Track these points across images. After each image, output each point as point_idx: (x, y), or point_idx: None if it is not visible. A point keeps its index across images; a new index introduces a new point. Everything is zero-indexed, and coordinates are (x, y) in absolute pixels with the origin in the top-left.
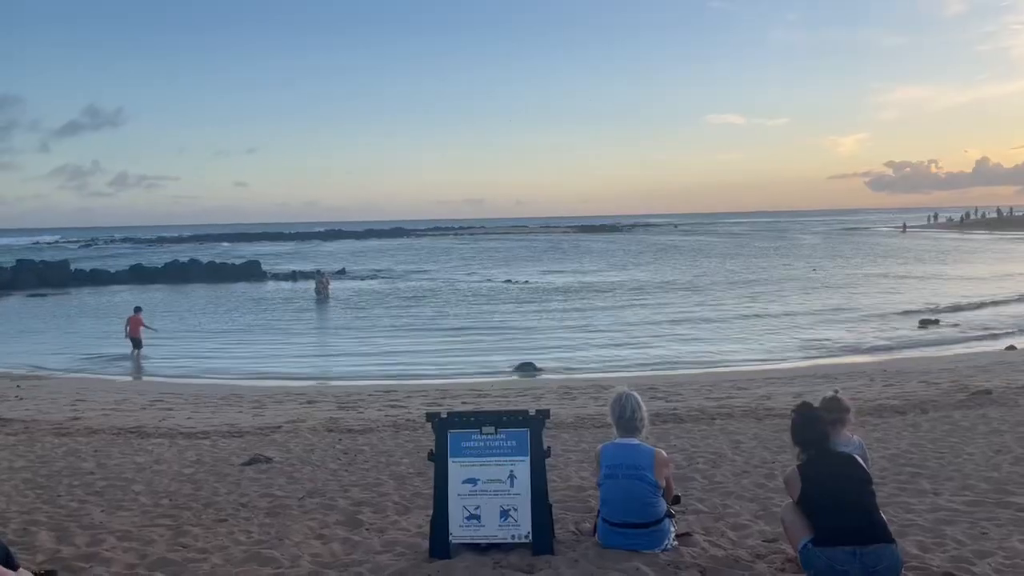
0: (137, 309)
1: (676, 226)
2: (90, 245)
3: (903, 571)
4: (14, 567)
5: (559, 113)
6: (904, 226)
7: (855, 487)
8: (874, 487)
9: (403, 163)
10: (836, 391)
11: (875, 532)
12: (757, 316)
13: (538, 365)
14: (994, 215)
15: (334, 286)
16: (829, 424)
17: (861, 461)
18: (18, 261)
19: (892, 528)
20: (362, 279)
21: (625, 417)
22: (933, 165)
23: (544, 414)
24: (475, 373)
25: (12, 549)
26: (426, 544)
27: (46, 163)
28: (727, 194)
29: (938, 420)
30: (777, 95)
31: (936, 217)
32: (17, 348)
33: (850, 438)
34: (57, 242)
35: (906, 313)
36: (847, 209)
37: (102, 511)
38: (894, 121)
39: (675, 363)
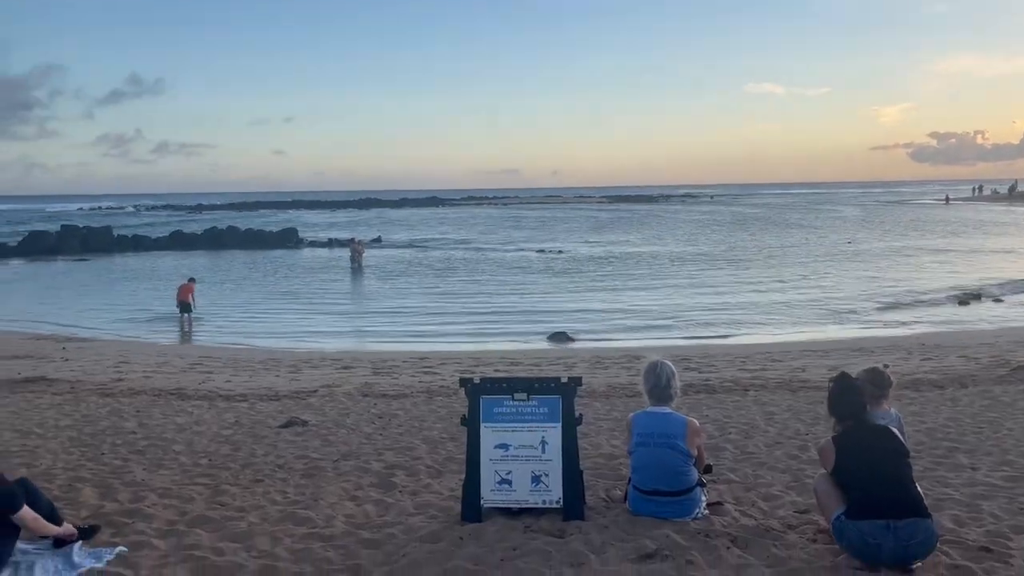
0: (191, 280)
1: (712, 197)
2: (134, 212)
3: (938, 545)
4: (58, 522)
5: (596, 83)
6: (947, 198)
7: (891, 460)
8: (910, 460)
9: (439, 132)
10: (886, 365)
11: (910, 505)
12: (793, 288)
13: (570, 334)
14: None
15: (369, 254)
16: (869, 396)
17: (898, 434)
18: (63, 227)
19: (928, 502)
20: (397, 247)
21: (660, 386)
22: (979, 136)
23: (576, 381)
24: (508, 341)
25: (57, 504)
26: (458, 507)
27: (90, 131)
28: (765, 165)
29: (977, 395)
30: (818, 64)
31: (981, 189)
32: (63, 311)
33: (888, 411)
34: (100, 208)
35: (946, 287)
36: (888, 181)
37: (144, 469)
38: (939, 91)
39: (709, 334)
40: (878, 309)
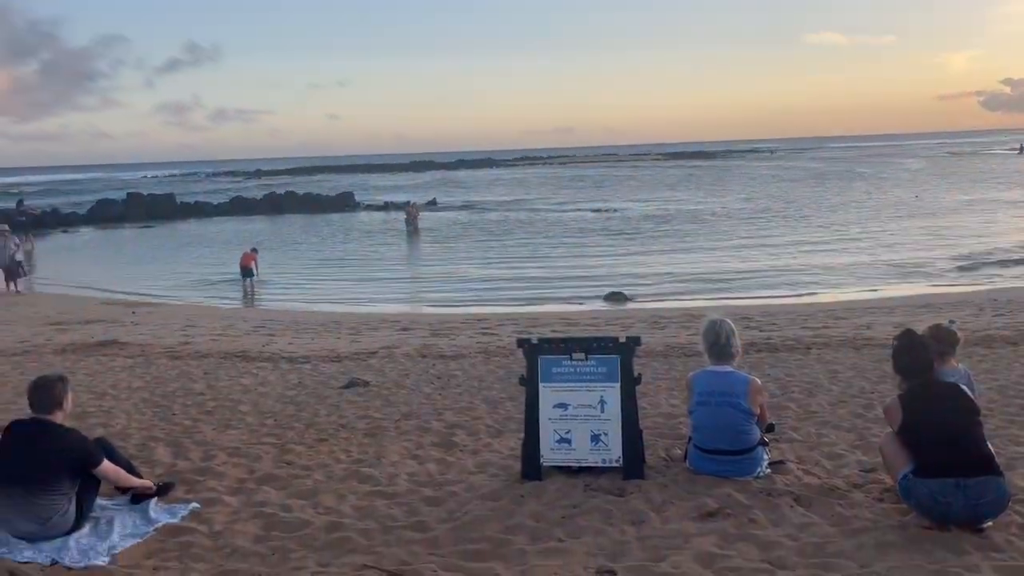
0: (253, 249)
1: (773, 152)
2: (196, 178)
3: (1010, 504)
4: (138, 477)
5: (650, 37)
6: (1021, 147)
7: (960, 418)
8: (981, 418)
9: (492, 92)
10: (951, 321)
11: (980, 464)
12: (856, 245)
13: (628, 294)
14: None
15: (424, 216)
16: (935, 353)
17: (968, 391)
18: (128, 195)
19: (1000, 461)
20: (452, 210)
21: (720, 344)
22: None
23: (635, 341)
24: (564, 302)
25: (134, 463)
26: (518, 466)
27: (150, 99)
28: (828, 117)
29: None
30: (881, 12)
31: None
32: (132, 276)
33: (956, 367)
34: (163, 176)
35: (1018, 241)
36: (958, 131)
37: (213, 429)
38: (1012, 34)
39: (769, 292)
40: (946, 264)
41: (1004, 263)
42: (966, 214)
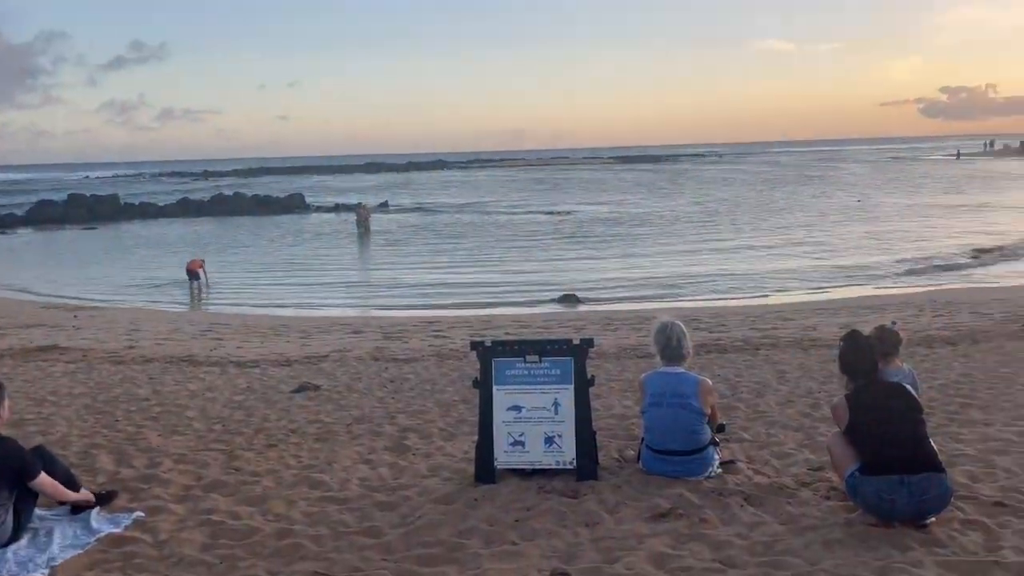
0: (201, 259)
1: (720, 156)
2: (137, 179)
3: (952, 500)
4: (76, 488)
5: (598, 42)
6: (958, 153)
7: (904, 416)
8: (924, 417)
9: (443, 95)
10: (893, 323)
11: (924, 461)
12: (801, 247)
13: (580, 297)
14: None
15: (375, 219)
16: (880, 354)
17: (911, 390)
18: (70, 195)
19: (942, 458)
20: (403, 212)
21: (671, 346)
22: (991, 90)
23: (588, 343)
24: (518, 304)
25: (75, 471)
26: (472, 469)
27: (94, 98)
28: (774, 123)
29: (990, 351)
30: (827, 19)
31: (992, 144)
32: (73, 279)
33: (900, 367)
34: (107, 177)
35: (957, 243)
36: (898, 137)
37: (158, 435)
38: (950, 44)
39: (719, 294)
40: (888, 267)
41: (943, 267)
42: (908, 218)
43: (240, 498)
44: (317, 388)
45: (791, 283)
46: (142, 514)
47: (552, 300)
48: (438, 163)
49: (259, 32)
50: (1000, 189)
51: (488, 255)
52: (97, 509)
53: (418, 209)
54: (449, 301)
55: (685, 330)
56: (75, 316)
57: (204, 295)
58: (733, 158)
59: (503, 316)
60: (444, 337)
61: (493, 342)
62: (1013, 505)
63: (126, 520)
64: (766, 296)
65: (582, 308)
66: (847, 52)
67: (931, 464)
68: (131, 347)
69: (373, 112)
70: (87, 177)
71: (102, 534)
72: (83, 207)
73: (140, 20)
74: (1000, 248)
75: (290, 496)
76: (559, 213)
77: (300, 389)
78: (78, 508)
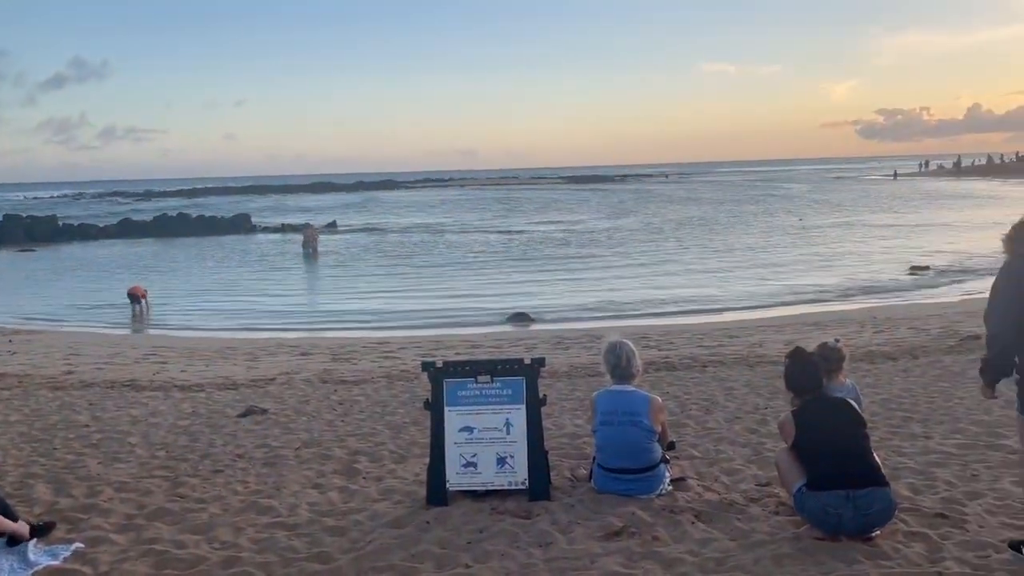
0: (144, 290)
1: (667, 176)
2: (78, 199)
3: (896, 513)
4: (13, 518)
5: (551, 62)
6: (895, 173)
7: (849, 431)
8: (867, 431)
9: (393, 113)
10: (836, 339)
11: (868, 475)
12: (746, 265)
13: (531, 315)
14: (983, 163)
15: (323, 239)
16: (824, 371)
17: (855, 405)
18: (5, 216)
19: (885, 471)
20: (352, 232)
21: (621, 365)
22: (925, 112)
23: (539, 362)
24: (468, 324)
25: (10, 502)
26: (423, 492)
27: (32, 117)
28: (719, 143)
29: (928, 365)
30: (770, 42)
31: (927, 164)
32: (8, 303)
33: (844, 383)
34: (45, 197)
35: (895, 260)
36: (838, 157)
37: (99, 463)
38: (887, 68)
39: (666, 312)
40: (829, 284)
41: (881, 285)
42: (847, 237)
43: (185, 526)
44: (264, 412)
45: (736, 301)
46: (81, 545)
47: (503, 320)
48: (388, 182)
49: (205, 50)
50: (935, 208)
51: (439, 275)
52: (34, 541)
53: (368, 229)
54: (399, 321)
55: (634, 348)
56: (10, 341)
57: (147, 319)
58: (680, 178)
59: (454, 336)
60: (394, 358)
61: (444, 363)
62: (954, 517)
63: (65, 552)
64: (713, 314)
65: (533, 327)
66: (789, 74)
67: (875, 478)
68: (70, 372)
69: (323, 131)
70: (25, 198)
71: (40, 567)
72: (20, 228)
73: (81, 37)
74: (936, 264)
75: (237, 523)
76: (509, 232)
77: (247, 413)
78: (14, 540)
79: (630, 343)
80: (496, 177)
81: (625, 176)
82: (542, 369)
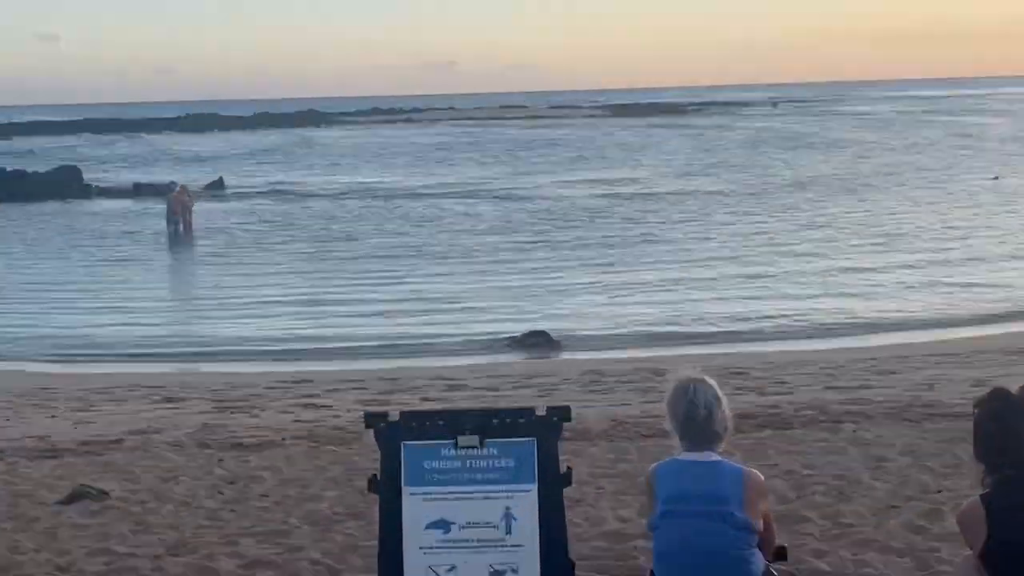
0: None
1: (775, 104)
2: None
3: None
4: None
5: None
6: None
7: None
8: None
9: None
10: None
11: None
12: (906, 256)
13: (552, 336)
14: None
15: (202, 209)
16: None
17: None
18: None
19: None
20: (251, 196)
21: (697, 419)
22: None
23: (561, 414)
24: (445, 351)
25: None
26: None
27: None
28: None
29: None
30: None
31: None
32: None
33: None
34: None
35: None
36: None
37: None
38: None
39: (772, 332)
40: None
41: None
42: None
43: None
44: (104, 495)
45: (890, 314)
46: None
47: (504, 344)
48: (313, 115)
49: None
50: None
51: (394, 270)
52: None
53: (275, 192)
54: (329, 345)
55: (719, 392)
56: None
57: None
58: (797, 108)
59: (420, 370)
60: (321, 406)
61: (403, 414)
62: None
63: None
64: (852, 336)
65: (553, 356)
66: None
67: None
68: None
69: (199, 33)
70: None
71: None
72: None
73: None
74: None
75: None
76: (516, 199)
77: (75, 497)
78: None
79: (712, 383)
80: (490, 106)
81: (709, 105)
82: (566, 425)
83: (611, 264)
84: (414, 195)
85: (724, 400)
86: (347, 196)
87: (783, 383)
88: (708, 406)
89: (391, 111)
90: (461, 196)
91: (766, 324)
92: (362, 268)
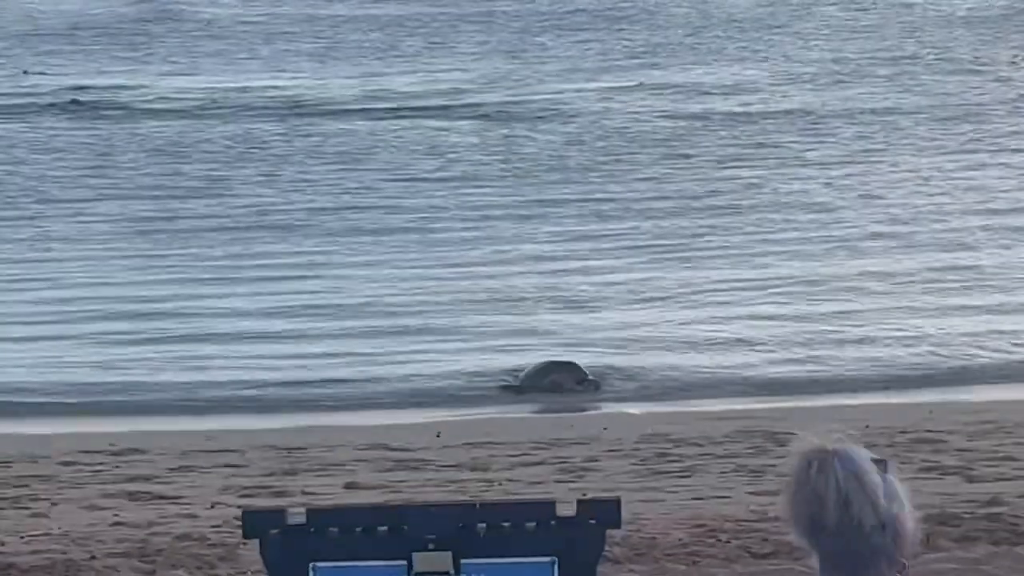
0: None
1: None
2: None
3: None
4: None
5: None
6: None
7: None
8: None
9: None
10: None
11: None
12: None
13: (587, 371)
14: None
15: None
16: None
17: None
18: None
19: None
20: (52, 114)
21: (853, 529)
22: None
23: (604, 515)
24: (390, 398)
25: None
26: None
27: None
28: None
29: None
30: None
31: None
32: None
33: None
34: None
35: None
36: None
37: None
38: None
39: (986, 367)
40: None
41: None
42: None
43: None
44: None
45: None
46: None
47: (496, 385)
48: None
49: None
50: None
51: (295, 252)
52: None
53: (95, 108)
54: (165, 394)
55: (881, 476)
56: None
57: None
58: None
59: (343, 431)
60: (160, 498)
61: (312, 513)
62: None
63: None
64: None
65: (590, 405)
66: None
67: None
68: None
69: None
70: None
71: None
72: None
73: None
74: None
75: None
76: (518, 118)
77: None
78: None
79: (866, 463)
80: None
81: None
82: (613, 533)
83: (686, 248)
84: (341, 111)
85: (903, 493)
86: (216, 110)
87: (1010, 460)
88: (874, 507)
89: None
90: (425, 113)
91: (975, 355)
92: (237, 249)
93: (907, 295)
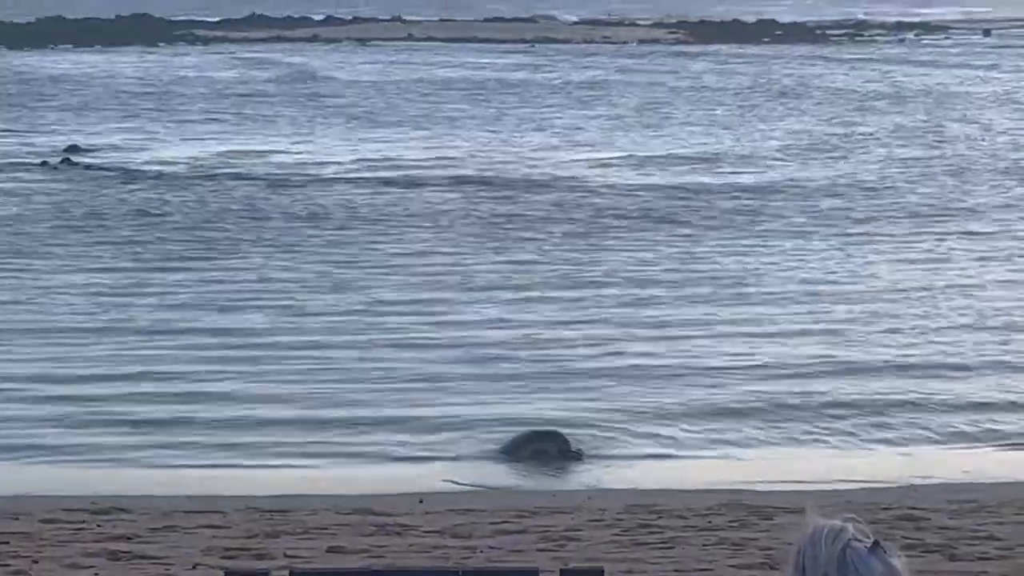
0: None
1: (988, 32)
2: None
3: None
4: None
5: None
6: None
7: None
8: None
9: None
10: None
11: None
12: None
13: (569, 441)
14: None
15: None
16: None
17: None
18: None
19: None
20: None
21: None
22: None
23: None
24: (372, 464)
25: None
26: None
27: None
28: None
29: None
30: None
31: None
32: None
33: None
34: None
35: None
36: None
37: None
38: None
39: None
40: None
41: None
42: None
43: None
44: None
45: None
46: None
47: (478, 452)
48: (139, 22)
49: None
50: None
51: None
52: None
53: (72, 166)
54: (144, 453)
55: (896, 562)
56: None
57: None
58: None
59: (326, 499)
60: (140, 559)
61: None
62: None
63: None
64: None
65: (572, 477)
66: None
67: None
68: None
69: None
70: None
71: None
72: None
73: None
74: None
75: None
76: (507, 186)
77: None
78: None
79: (865, 541)
80: (467, 19)
81: (853, 37)
82: None
83: (672, 314)
84: (319, 179)
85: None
86: (197, 176)
87: (992, 539)
88: None
89: (284, 22)
90: (406, 182)
91: (979, 421)
92: (219, 298)
93: (898, 335)
